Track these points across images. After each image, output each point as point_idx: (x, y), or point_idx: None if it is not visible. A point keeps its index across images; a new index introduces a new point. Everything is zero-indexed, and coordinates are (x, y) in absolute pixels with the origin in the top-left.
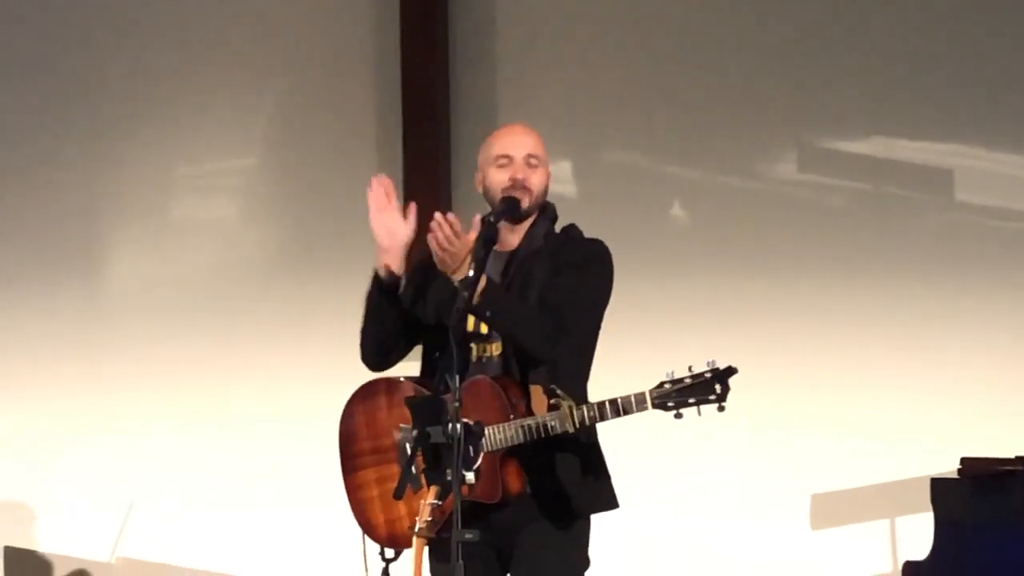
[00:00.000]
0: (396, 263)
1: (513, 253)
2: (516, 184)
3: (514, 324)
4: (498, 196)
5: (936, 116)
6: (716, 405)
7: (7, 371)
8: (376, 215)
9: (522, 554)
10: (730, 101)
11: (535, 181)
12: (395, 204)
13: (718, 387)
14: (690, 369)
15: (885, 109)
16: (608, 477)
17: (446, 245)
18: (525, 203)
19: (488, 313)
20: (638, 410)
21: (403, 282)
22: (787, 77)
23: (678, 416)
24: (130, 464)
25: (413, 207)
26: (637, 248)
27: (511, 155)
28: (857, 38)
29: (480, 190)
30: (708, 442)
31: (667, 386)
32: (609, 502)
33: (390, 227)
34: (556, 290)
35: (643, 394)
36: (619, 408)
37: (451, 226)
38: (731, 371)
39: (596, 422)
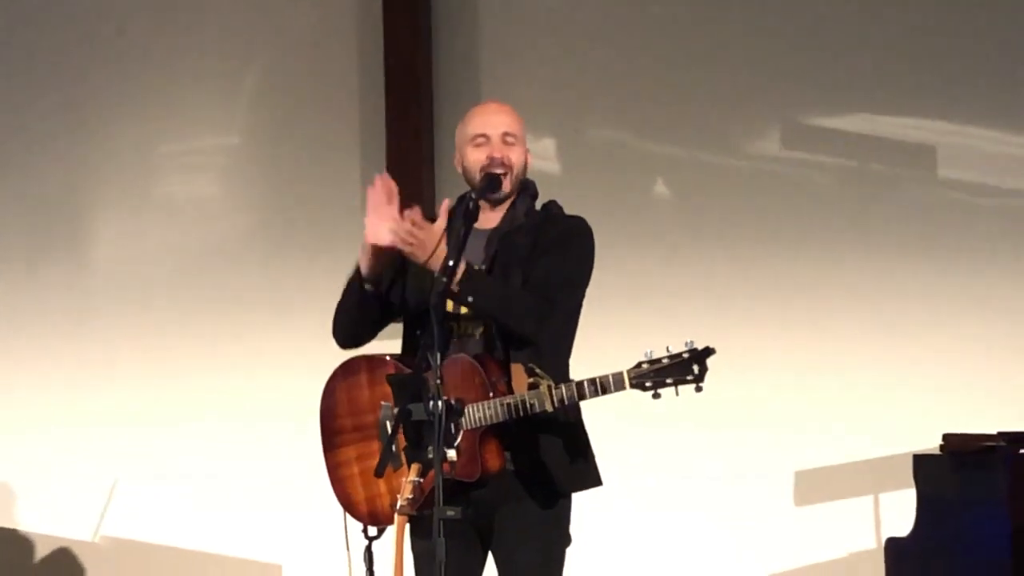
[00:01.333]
0: (380, 261)
1: (494, 231)
2: (494, 162)
3: (497, 307)
4: (477, 175)
5: (920, 92)
6: (694, 385)
7: None
8: (369, 212)
9: (503, 532)
10: (714, 78)
11: (514, 159)
12: (395, 204)
13: (696, 367)
14: (668, 349)
15: (869, 86)
16: (592, 455)
17: (410, 239)
18: (506, 181)
19: (469, 299)
20: (616, 390)
21: (383, 279)
22: (771, 54)
23: (656, 396)
24: (113, 443)
25: (416, 212)
26: (620, 225)
27: (488, 134)
28: (840, 14)
29: (459, 170)
30: (691, 419)
31: (645, 366)
32: (591, 481)
33: (381, 226)
34: (539, 269)
35: (621, 374)
36: (597, 387)
37: (410, 222)
38: (709, 352)
39: (575, 401)
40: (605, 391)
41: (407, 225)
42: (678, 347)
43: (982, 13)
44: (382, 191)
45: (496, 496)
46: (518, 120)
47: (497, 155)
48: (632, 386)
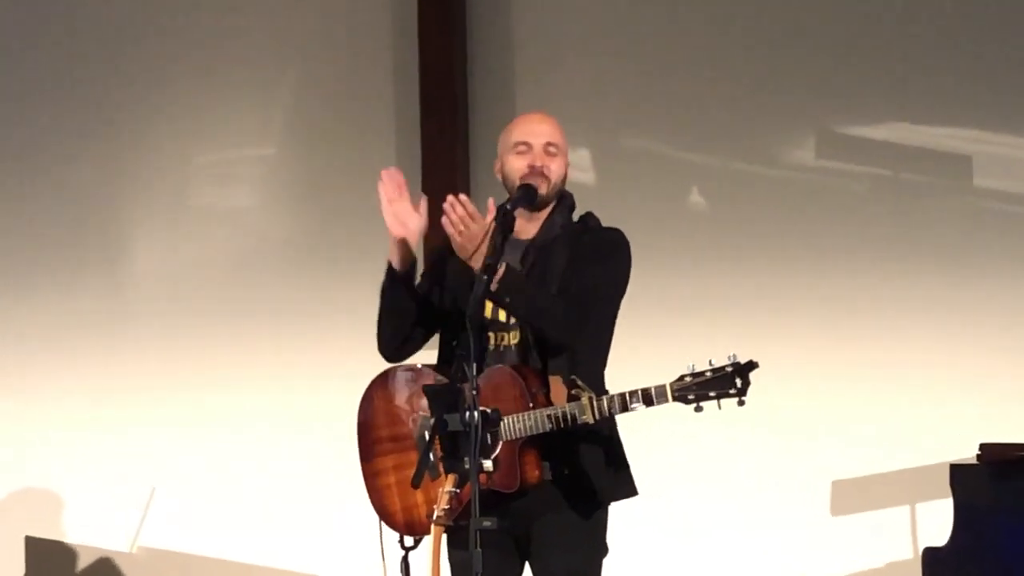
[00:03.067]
0: (409, 254)
1: (531, 242)
2: (534, 171)
3: (533, 310)
4: (516, 183)
5: (955, 101)
6: (736, 399)
7: (30, 361)
8: (387, 206)
9: (541, 542)
10: (749, 87)
11: (553, 169)
12: (406, 196)
13: (738, 381)
14: (711, 363)
15: (904, 95)
16: (627, 466)
17: (460, 227)
18: (543, 190)
19: (507, 299)
20: (659, 402)
21: (418, 273)
22: (806, 63)
23: (698, 409)
24: (151, 453)
25: (424, 201)
26: (655, 235)
27: (530, 142)
28: (875, 24)
29: (499, 177)
30: (728, 429)
31: (688, 379)
32: (628, 491)
33: (402, 218)
34: (576, 279)
35: (664, 387)
36: (640, 399)
37: (464, 207)
38: (752, 365)
39: (616, 413)
40: (648, 403)
41: (460, 210)
42: (720, 360)
43: (1018, 21)
44: (392, 185)
45: (534, 505)
46: (561, 131)
47: (538, 164)
48: (675, 399)
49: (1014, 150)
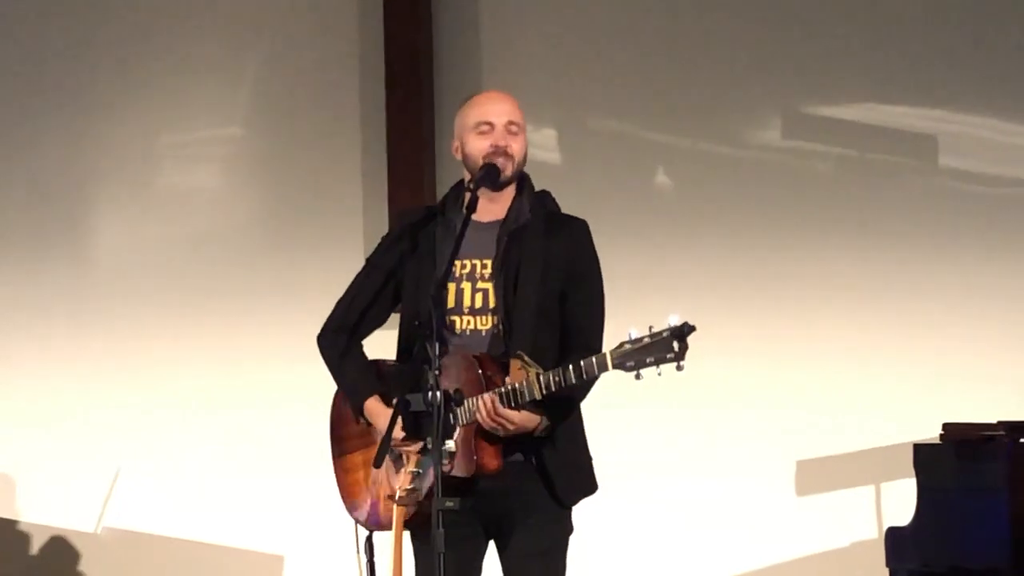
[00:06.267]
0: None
1: (502, 226)
2: (498, 151)
3: (588, 382)
4: (479, 163)
5: (920, 82)
6: (674, 364)
7: None
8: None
9: (507, 519)
10: (714, 68)
11: (516, 148)
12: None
13: (676, 345)
14: (650, 329)
15: (869, 75)
16: (590, 462)
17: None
18: (508, 171)
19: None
20: (600, 371)
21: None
22: (771, 43)
23: (638, 377)
24: (115, 434)
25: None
26: (621, 215)
27: (492, 122)
28: (842, 4)
29: (459, 157)
30: (693, 409)
31: (627, 346)
32: (588, 489)
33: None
34: (581, 313)
35: (604, 355)
36: (582, 371)
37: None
38: (688, 328)
39: (562, 386)
40: (590, 373)
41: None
42: (661, 327)
43: (984, 3)
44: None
45: (501, 486)
46: (520, 110)
47: (501, 144)
48: (615, 367)
49: (979, 130)
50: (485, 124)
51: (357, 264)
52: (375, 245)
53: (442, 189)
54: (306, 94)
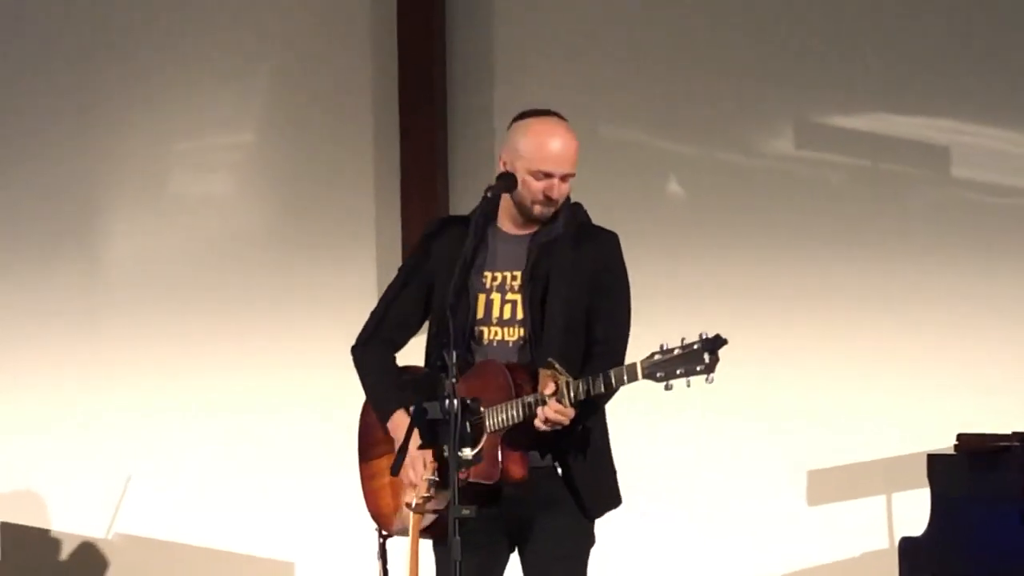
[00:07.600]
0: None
1: (532, 238)
2: (549, 202)
3: (605, 400)
4: (528, 202)
5: (933, 92)
6: (704, 376)
7: (4, 348)
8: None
9: (530, 529)
10: (728, 78)
11: (562, 192)
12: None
13: (707, 357)
14: (681, 341)
15: (882, 86)
16: (614, 475)
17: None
18: (548, 213)
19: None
20: (629, 380)
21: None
22: (785, 54)
23: (668, 388)
24: (127, 440)
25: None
26: (633, 225)
27: (552, 172)
28: (855, 14)
29: (502, 168)
30: (704, 418)
31: (657, 357)
32: (613, 503)
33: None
34: (606, 323)
35: (634, 365)
36: (611, 379)
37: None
38: (720, 341)
39: (591, 395)
40: (619, 382)
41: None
42: (691, 339)
43: (997, 15)
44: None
45: (524, 494)
46: (577, 151)
47: (554, 196)
48: (644, 377)
49: (992, 140)
50: (547, 175)
51: (368, 271)
52: (386, 253)
53: (454, 197)
54: (319, 102)
